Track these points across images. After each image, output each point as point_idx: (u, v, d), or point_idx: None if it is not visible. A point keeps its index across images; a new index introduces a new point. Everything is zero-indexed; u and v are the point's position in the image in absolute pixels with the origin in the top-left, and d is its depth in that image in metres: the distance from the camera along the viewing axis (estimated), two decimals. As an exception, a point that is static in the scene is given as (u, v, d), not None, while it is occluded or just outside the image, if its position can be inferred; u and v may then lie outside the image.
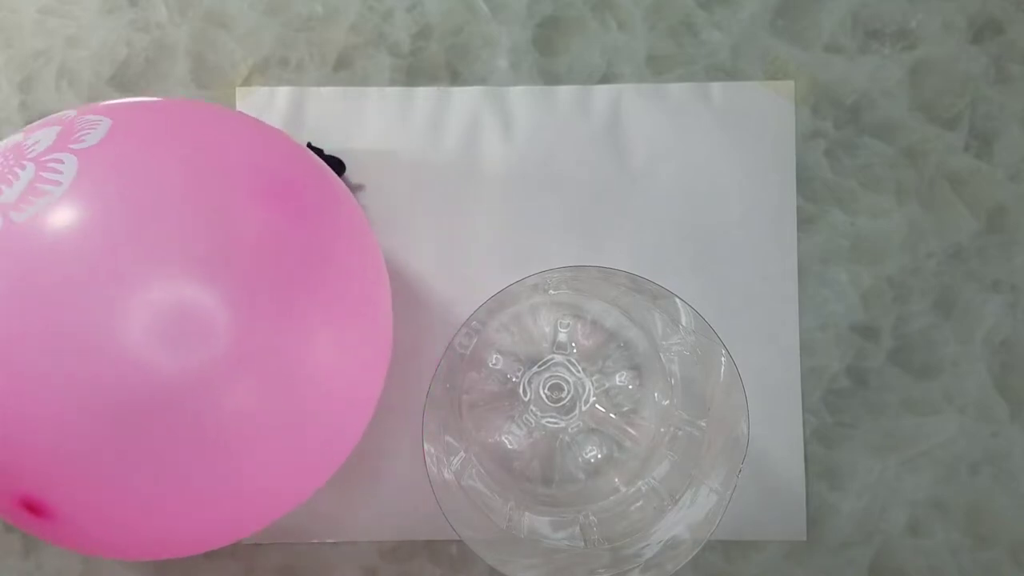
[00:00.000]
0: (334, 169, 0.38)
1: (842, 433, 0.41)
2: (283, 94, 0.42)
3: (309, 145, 0.41)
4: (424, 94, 0.42)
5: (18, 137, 0.31)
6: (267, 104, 0.42)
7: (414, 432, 0.38)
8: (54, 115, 0.32)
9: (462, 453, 0.39)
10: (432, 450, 0.36)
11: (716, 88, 0.42)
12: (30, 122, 0.42)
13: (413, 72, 0.42)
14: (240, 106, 0.42)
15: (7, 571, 0.41)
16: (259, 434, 0.30)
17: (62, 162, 0.29)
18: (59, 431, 0.28)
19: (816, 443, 0.41)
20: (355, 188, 0.41)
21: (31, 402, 0.28)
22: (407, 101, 0.42)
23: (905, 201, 0.42)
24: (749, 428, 0.35)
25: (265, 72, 0.42)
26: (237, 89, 0.42)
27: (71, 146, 0.30)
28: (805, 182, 0.42)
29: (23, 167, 0.29)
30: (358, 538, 0.41)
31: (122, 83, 0.43)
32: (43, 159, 0.30)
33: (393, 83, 0.42)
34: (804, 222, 0.42)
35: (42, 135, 0.31)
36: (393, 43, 0.42)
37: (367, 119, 0.42)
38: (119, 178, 0.29)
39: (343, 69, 0.42)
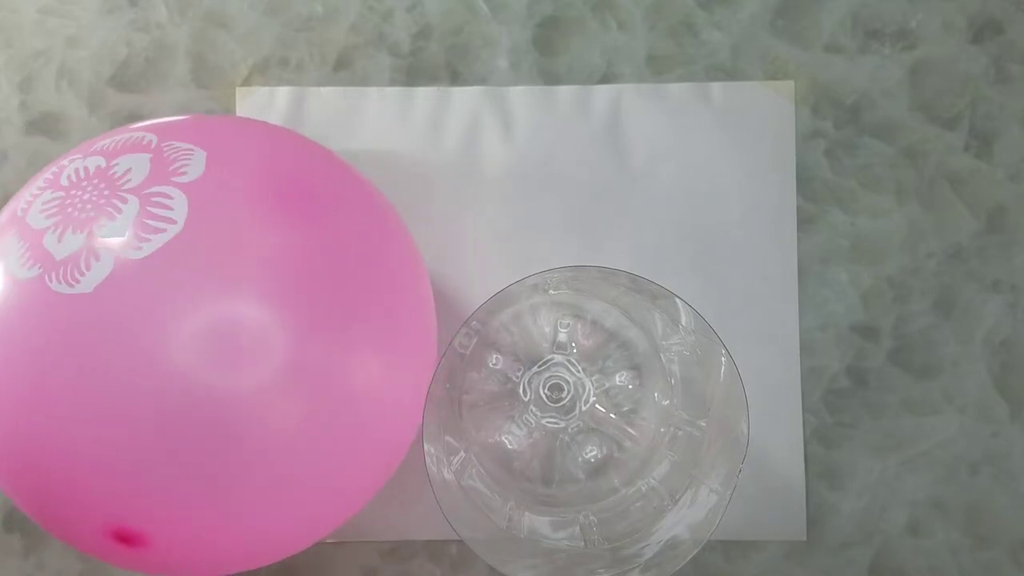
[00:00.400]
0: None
1: (842, 433, 0.41)
2: (283, 94, 0.42)
3: None
4: (424, 94, 0.42)
5: (97, 161, 0.31)
6: (267, 104, 0.42)
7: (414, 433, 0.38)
8: (122, 136, 0.32)
9: (462, 453, 0.39)
10: (432, 450, 0.36)
11: (716, 88, 0.42)
12: (31, 122, 0.43)
13: (413, 72, 0.42)
14: (240, 106, 0.42)
15: (7, 571, 0.41)
16: (318, 447, 0.30)
17: (171, 197, 0.29)
18: (142, 457, 0.28)
19: (816, 443, 0.41)
20: None
21: (116, 431, 0.28)
22: (407, 101, 0.42)
23: (905, 201, 0.42)
24: (749, 428, 0.35)
25: (265, 72, 0.42)
26: (237, 89, 0.42)
27: (173, 179, 0.30)
28: (805, 182, 0.42)
29: (125, 200, 0.29)
30: (358, 538, 0.41)
31: (122, 83, 0.43)
32: (146, 192, 0.29)
33: (393, 83, 0.42)
34: (804, 222, 0.42)
35: (130, 162, 0.30)
36: (393, 43, 0.42)
37: (367, 119, 0.42)
38: (225, 211, 0.29)
39: (343, 69, 0.42)
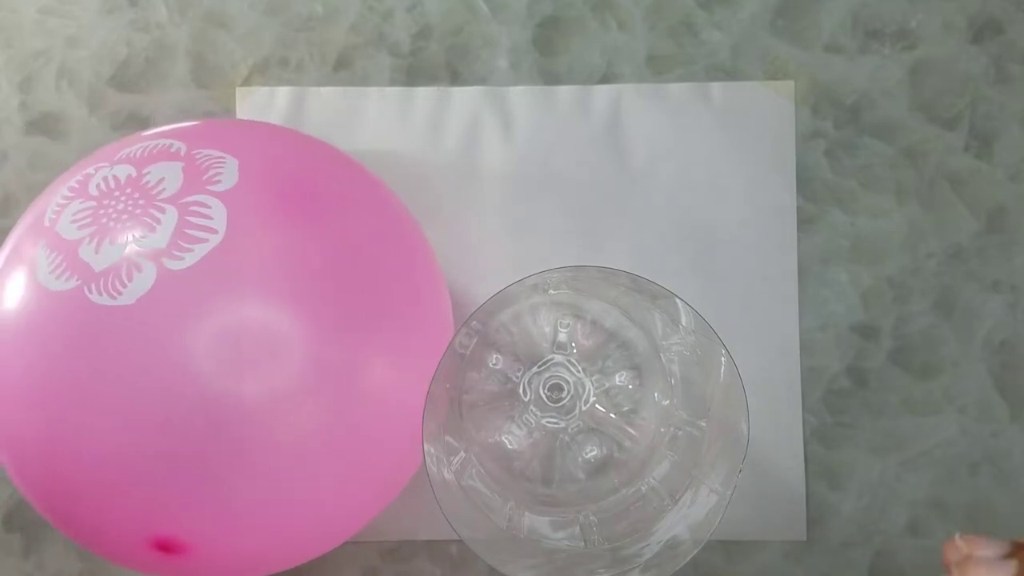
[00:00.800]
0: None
1: (842, 433, 0.41)
2: (283, 94, 0.42)
3: None
4: (424, 94, 0.42)
5: (128, 170, 0.31)
6: (267, 104, 0.42)
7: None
8: (150, 144, 0.32)
9: (462, 453, 0.39)
10: (432, 450, 0.36)
11: (716, 88, 0.42)
12: (31, 122, 0.43)
13: (413, 72, 0.42)
14: (240, 106, 0.42)
15: (7, 571, 0.41)
16: (347, 448, 0.31)
17: (208, 207, 0.29)
18: (182, 466, 0.29)
19: (816, 443, 0.41)
20: None
21: (158, 441, 0.28)
22: (407, 101, 0.42)
23: (905, 201, 0.42)
24: (749, 428, 0.35)
25: (265, 72, 0.42)
26: (237, 89, 0.42)
27: (209, 188, 0.30)
28: (805, 182, 0.42)
29: (162, 210, 0.29)
30: (358, 538, 0.41)
31: (122, 83, 0.43)
32: (183, 202, 0.29)
33: (393, 83, 0.42)
34: (804, 222, 0.42)
35: (163, 171, 0.30)
36: (393, 43, 0.42)
37: (367, 119, 0.42)
38: (262, 219, 0.30)
39: (343, 69, 0.42)
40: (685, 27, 0.42)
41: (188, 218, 0.29)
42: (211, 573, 0.32)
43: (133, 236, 0.29)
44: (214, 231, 0.29)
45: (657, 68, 0.42)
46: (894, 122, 0.42)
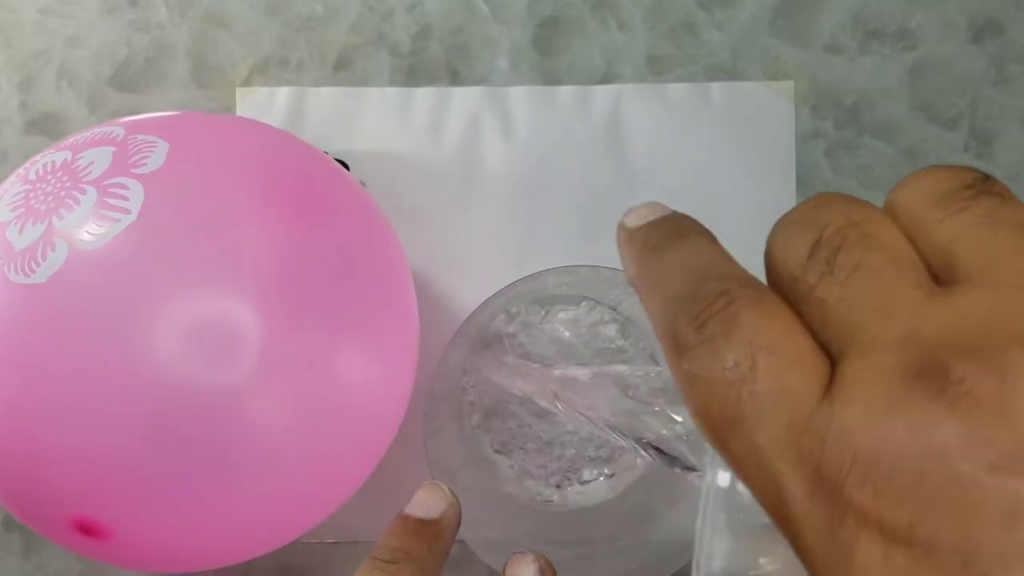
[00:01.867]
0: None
1: (842, 433, 0.41)
2: (283, 94, 0.42)
3: None
4: (424, 94, 0.42)
5: (64, 155, 0.31)
6: (267, 104, 0.42)
7: (414, 432, 0.38)
8: (96, 131, 0.32)
9: (463, 453, 0.39)
10: (432, 450, 0.36)
11: (716, 88, 0.42)
12: (31, 122, 0.43)
13: (413, 72, 0.42)
14: (240, 106, 0.42)
15: (7, 571, 0.41)
16: (292, 446, 0.30)
17: (127, 188, 0.29)
18: (99, 447, 0.28)
19: (816, 443, 0.41)
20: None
21: (79, 426, 0.28)
22: (407, 101, 0.42)
23: (905, 201, 0.42)
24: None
25: (265, 72, 0.42)
26: (237, 89, 0.42)
27: (133, 171, 0.30)
28: (805, 182, 0.42)
29: (83, 191, 0.29)
30: (358, 538, 0.41)
31: (122, 83, 0.43)
32: (104, 184, 0.29)
33: (393, 83, 0.42)
34: (804, 222, 0.41)
35: (94, 155, 0.30)
36: (393, 43, 0.42)
37: (367, 119, 0.42)
38: (183, 203, 0.29)
39: (343, 69, 0.42)
40: (685, 27, 0.42)
41: (106, 199, 0.29)
42: (143, 559, 0.32)
43: (54, 217, 0.29)
44: (127, 212, 0.29)
45: (657, 68, 0.42)
46: (894, 122, 0.42)
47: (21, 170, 0.32)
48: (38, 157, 0.32)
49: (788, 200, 0.41)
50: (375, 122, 0.42)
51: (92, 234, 0.28)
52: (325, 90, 0.42)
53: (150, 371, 0.28)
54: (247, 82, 0.42)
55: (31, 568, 0.41)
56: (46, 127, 0.43)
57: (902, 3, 0.42)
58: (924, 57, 0.42)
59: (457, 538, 0.35)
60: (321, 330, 0.30)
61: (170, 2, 0.43)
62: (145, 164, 0.30)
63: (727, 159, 0.42)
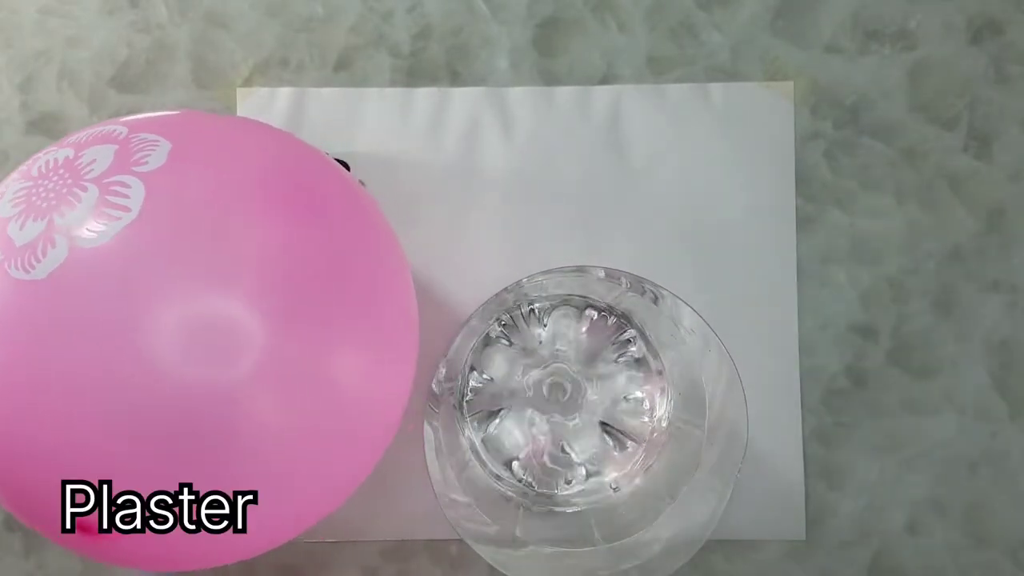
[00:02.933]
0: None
1: (841, 433, 0.41)
2: (283, 95, 0.42)
3: None
4: (424, 94, 0.42)
5: (67, 152, 0.31)
6: (267, 105, 0.42)
7: (414, 432, 0.38)
8: (99, 129, 0.32)
9: (463, 452, 0.39)
10: (432, 449, 0.36)
11: (716, 89, 0.42)
12: (31, 123, 0.43)
13: (413, 73, 0.42)
14: (241, 107, 0.42)
15: (7, 571, 0.41)
16: (287, 448, 0.30)
17: (128, 186, 0.29)
18: (97, 446, 0.28)
19: (815, 443, 0.41)
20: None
21: (77, 424, 0.28)
22: (407, 102, 0.42)
23: (904, 201, 0.42)
24: (749, 428, 0.35)
25: (265, 73, 0.42)
26: (238, 90, 0.42)
27: (134, 169, 0.30)
28: (804, 182, 0.42)
29: (84, 188, 0.29)
30: (358, 537, 0.41)
31: (122, 84, 0.43)
32: (106, 181, 0.29)
33: (393, 84, 0.42)
34: (803, 222, 0.42)
35: (96, 153, 0.30)
36: (393, 44, 0.42)
37: (367, 120, 0.42)
38: (184, 202, 0.29)
39: (343, 70, 0.42)
40: (685, 28, 0.42)
41: (107, 197, 0.29)
42: (141, 558, 0.32)
43: (55, 214, 0.29)
44: (127, 209, 0.29)
45: (657, 69, 0.42)
46: (893, 122, 0.42)
47: (23, 166, 0.32)
48: (40, 154, 0.32)
49: (788, 200, 0.41)
50: (375, 122, 0.42)
51: (93, 231, 0.28)
52: (325, 90, 0.42)
53: (148, 369, 0.28)
54: (247, 82, 0.42)
55: (32, 568, 0.41)
56: (46, 127, 0.43)
57: (902, 3, 0.42)
58: (924, 57, 0.42)
59: (457, 538, 0.35)
60: (320, 331, 0.30)
61: (170, 3, 0.43)
62: (147, 163, 0.30)
63: (727, 159, 0.42)
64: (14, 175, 0.32)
